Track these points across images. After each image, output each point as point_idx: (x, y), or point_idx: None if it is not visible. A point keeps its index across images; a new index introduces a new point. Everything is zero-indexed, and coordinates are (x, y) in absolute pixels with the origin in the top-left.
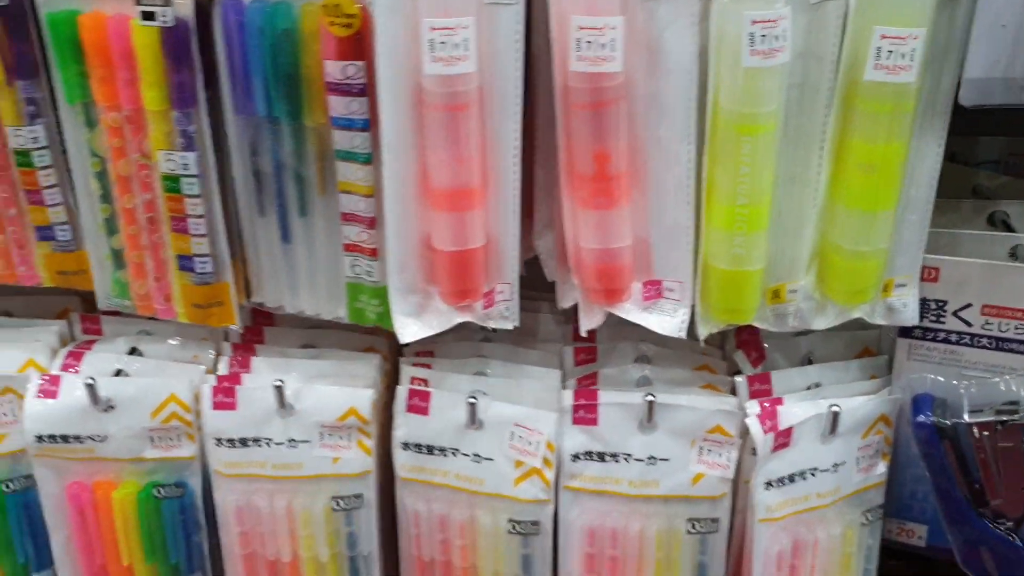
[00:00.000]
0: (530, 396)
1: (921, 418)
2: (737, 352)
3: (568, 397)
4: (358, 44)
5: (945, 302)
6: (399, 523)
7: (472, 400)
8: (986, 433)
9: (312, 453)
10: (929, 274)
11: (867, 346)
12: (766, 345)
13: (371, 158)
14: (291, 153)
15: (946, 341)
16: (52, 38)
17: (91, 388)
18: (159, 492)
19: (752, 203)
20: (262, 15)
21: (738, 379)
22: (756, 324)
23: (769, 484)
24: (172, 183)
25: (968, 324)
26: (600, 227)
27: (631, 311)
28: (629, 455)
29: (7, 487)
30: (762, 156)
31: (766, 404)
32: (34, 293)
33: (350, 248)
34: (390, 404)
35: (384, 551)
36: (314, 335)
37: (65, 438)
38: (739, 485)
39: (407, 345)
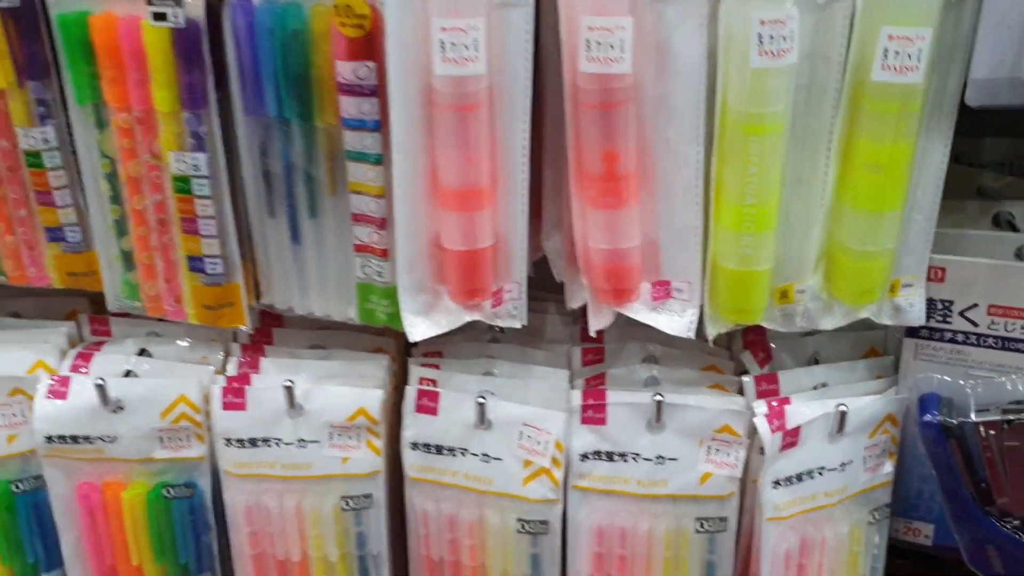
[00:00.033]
0: (538, 396)
1: (928, 417)
2: (744, 352)
3: (577, 397)
4: (369, 45)
5: (951, 302)
6: (408, 523)
7: (481, 400)
8: (992, 432)
9: (321, 453)
10: (936, 274)
11: (873, 346)
12: (773, 345)
13: (382, 158)
14: (301, 154)
15: (952, 341)
16: (63, 39)
17: (101, 388)
18: (169, 492)
19: (760, 203)
20: (272, 16)
21: (745, 379)
22: (764, 324)
23: (777, 483)
24: (183, 184)
25: (974, 324)
26: (609, 227)
27: (640, 311)
28: (637, 455)
29: (17, 487)
30: (770, 156)
31: (774, 404)
32: (42, 295)
33: (360, 249)
34: (398, 405)
35: (393, 551)
36: (322, 336)
37: (75, 438)
38: (747, 484)
39: (415, 346)
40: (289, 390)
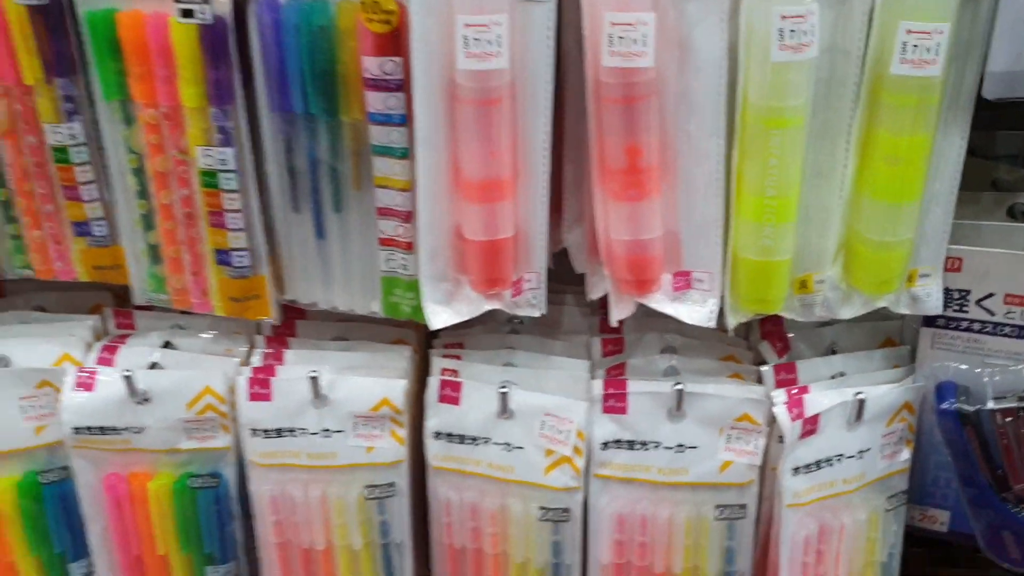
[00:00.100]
0: (558, 386)
1: (945, 405)
2: (762, 343)
3: (598, 386)
4: (395, 40)
5: (968, 291)
6: (431, 511)
7: (504, 390)
8: (1009, 419)
9: (346, 443)
10: (952, 264)
11: (889, 336)
12: (790, 335)
13: (407, 152)
14: (327, 149)
15: (969, 330)
16: (90, 36)
17: (129, 380)
18: (194, 482)
19: (781, 195)
20: (298, 13)
21: (764, 368)
22: (784, 314)
23: (796, 470)
24: (210, 178)
25: (991, 313)
26: (631, 219)
27: (661, 301)
28: (658, 443)
29: (45, 478)
30: (791, 149)
31: (793, 392)
32: (66, 289)
33: (386, 242)
34: (419, 395)
35: (416, 539)
36: (344, 328)
37: (102, 430)
38: (766, 472)
39: (436, 337)
40: (314, 381)
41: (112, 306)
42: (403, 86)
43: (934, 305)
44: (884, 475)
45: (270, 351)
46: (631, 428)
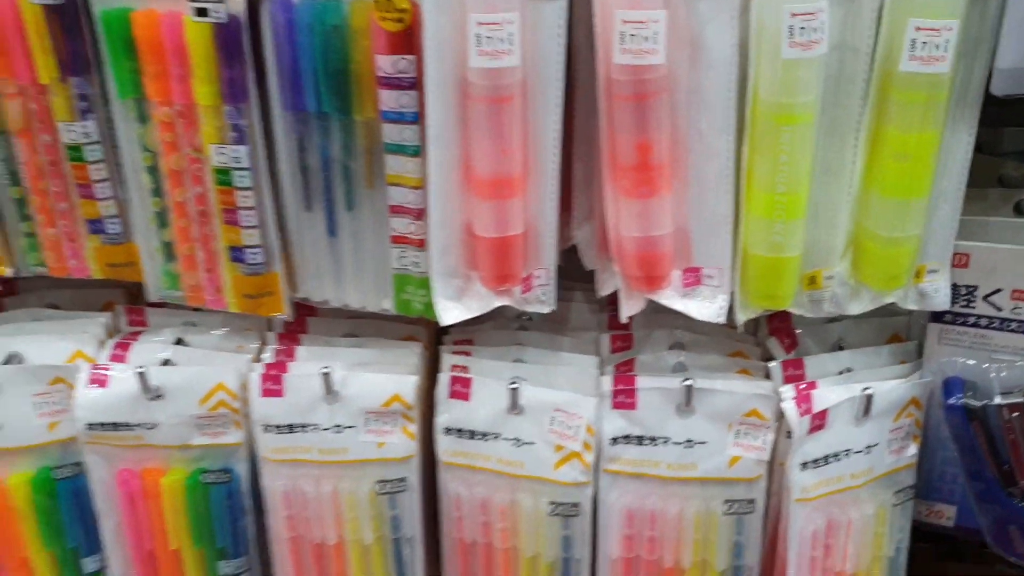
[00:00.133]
0: (567, 382)
1: (952, 400)
2: (770, 339)
3: (608, 382)
4: (408, 39)
5: (975, 287)
6: (441, 506)
7: (513, 386)
8: (1015, 414)
9: (357, 438)
10: (960, 260)
11: (896, 332)
12: (798, 332)
13: (420, 150)
14: (339, 148)
15: (976, 325)
16: (105, 35)
17: (142, 376)
18: (207, 478)
19: (791, 191)
20: (311, 12)
21: (772, 364)
22: (793, 310)
23: (804, 465)
24: (223, 176)
25: (998, 308)
26: (642, 216)
27: (671, 298)
28: (667, 438)
29: (58, 474)
30: (800, 145)
31: (801, 388)
32: (79, 286)
33: (398, 240)
34: (429, 392)
35: (426, 534)
36: (355, 325)
37: (115, 426)
38: (774, 467)
39: (447, 333)
40: (326, 377)
41: (124, 303)
42: (416, 84)
43: (942, 301)
44: (891, 470)
45: (282, 348)
46: (640, 423)
